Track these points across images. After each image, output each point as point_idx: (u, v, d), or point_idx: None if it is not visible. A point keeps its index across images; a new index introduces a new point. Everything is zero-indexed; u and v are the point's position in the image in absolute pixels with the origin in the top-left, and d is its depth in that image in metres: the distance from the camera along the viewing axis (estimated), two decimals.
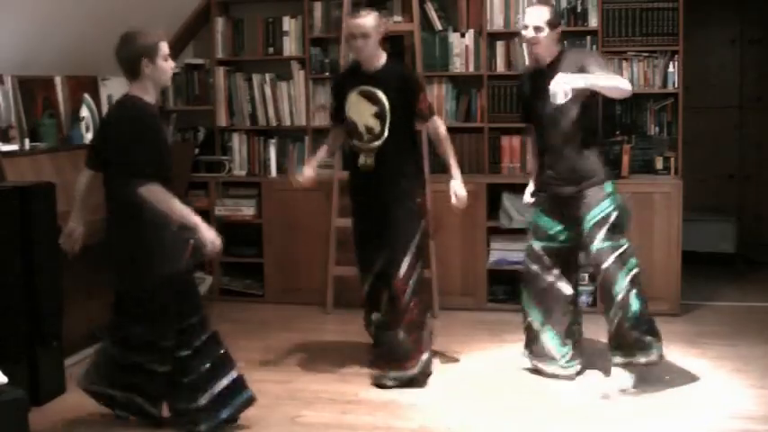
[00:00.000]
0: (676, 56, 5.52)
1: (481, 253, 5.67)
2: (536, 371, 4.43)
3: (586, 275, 5.28)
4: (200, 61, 6.25)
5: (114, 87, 5.41)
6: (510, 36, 5.70)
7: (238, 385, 3.80)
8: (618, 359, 4.19)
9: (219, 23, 6.14)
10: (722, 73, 7.02)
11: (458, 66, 5.80)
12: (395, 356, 4.32)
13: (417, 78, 4.65)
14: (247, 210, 6.03)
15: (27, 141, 4.79)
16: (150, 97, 3.66)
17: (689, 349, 4.75)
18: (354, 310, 4.98)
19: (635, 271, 4.12)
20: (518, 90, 4.41)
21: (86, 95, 5.23)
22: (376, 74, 4.36)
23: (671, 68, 5.55)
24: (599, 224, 4.12)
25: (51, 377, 4.20)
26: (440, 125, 4.46)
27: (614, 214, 4.13)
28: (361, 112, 4.36)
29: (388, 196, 4.36)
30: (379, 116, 4.32)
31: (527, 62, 4.35)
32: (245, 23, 6.13)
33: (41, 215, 4.13)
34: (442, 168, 4.61)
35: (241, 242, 6.09)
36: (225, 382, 3.75)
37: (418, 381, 4.34)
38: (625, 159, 5.57)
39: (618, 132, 5.64)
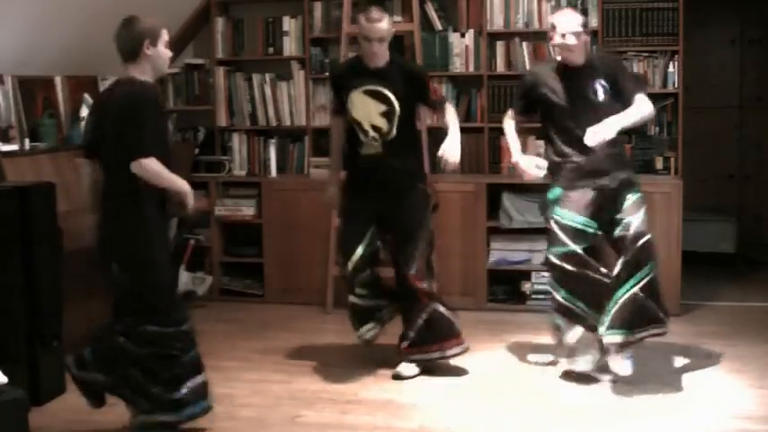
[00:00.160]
0: (676, 56, 5.52)
1: (481, 253, 5.66)
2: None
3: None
4: (200, 61, 6.24)
5: None
6: (510, 36, 5.71)
7: (204, 391, 3.70)
8: (619, 338, 4.12)
9: (219, 23, 6.14)
10: (722, 73, 7.02)
11: (458, 66, 5.80)
12: (444, 332, 4.38)
13: (422, 70, 4.63)
14: (247, 210, 6.02)
15: (27, 141, 4.80)
16: (149, 80, 3.60)
17: (688, 349, 4.76)
18: None
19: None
20: (530, 82, 4.36)
21: (86, 95, 5.22)
22: (381, 71, 4.33)
23: (671, 68, 5.55)
24: (637, 204, 4.21)
25: (51, 377, 4.19)
26: (452, 109, 4.49)
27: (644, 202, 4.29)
28: (367, 111, 4.31)
29: (397, 183, 4.34)
30: (388, 115, 4.30)
31: (554, 57, 4.32)
32: (245, 23, 6.12)
33: (41, 215, 4.12)
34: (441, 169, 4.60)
35: (241, 242, 6.10)
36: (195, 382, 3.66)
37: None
38: None
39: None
